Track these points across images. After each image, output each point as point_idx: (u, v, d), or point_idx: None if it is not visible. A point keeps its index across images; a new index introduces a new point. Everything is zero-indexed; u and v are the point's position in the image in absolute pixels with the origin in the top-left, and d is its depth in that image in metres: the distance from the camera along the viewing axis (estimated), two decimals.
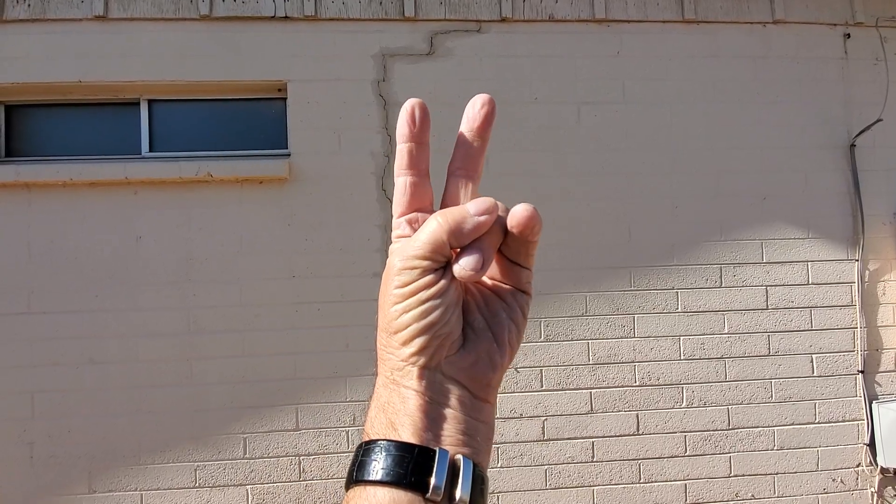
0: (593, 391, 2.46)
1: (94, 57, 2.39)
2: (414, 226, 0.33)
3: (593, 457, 2.45)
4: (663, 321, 2.49)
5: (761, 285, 2.52)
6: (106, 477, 2.33)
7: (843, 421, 2.55)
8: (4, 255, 2.32)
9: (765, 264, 2.53)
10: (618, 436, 2.46)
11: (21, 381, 2.31)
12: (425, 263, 0.30)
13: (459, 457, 0.30)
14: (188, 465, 2.36)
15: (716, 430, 2.49)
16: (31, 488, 2.31)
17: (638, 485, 2.46)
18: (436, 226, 0.30)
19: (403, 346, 0.31)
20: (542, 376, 2.45)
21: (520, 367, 2.45)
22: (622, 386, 2.47)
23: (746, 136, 2.57)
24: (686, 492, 2.48)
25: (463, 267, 0.30)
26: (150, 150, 2.49)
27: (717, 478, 2.49)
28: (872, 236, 2.59)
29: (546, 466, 2.44)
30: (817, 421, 2.53)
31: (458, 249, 0.31)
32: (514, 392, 2.44)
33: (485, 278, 0.34)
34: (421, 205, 0.34)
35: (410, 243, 0.31)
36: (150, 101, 2.53)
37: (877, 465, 2.54)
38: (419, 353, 0.31)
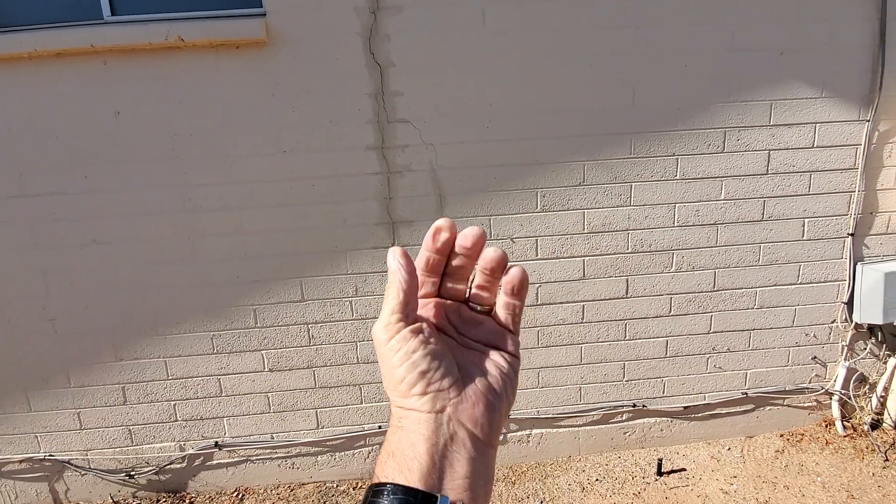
0: (586, 259, 2.54)
1: None
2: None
3: (583, 318, 2.61)
4: (660, 189, 2.48)
5: (764, 149, 2.46)
6: (130, 346, 2.51)
7: (825, 282, 2.66)
8: None
9: (771, 127, 2.44)
10: (607, 299, 2.59)
11: (31, 262, 2.38)
12: (397, 319, 0.36)
13: (460, 502, 0.32)
14: (205, 334, 2.52)
15: (701, 291, 2.61)
16: (61, 358, 2.50)
17: (622, 342, 2.66)
18: (387, 291, 0.37)
19: (407, 394, 0.35)
20: (537, 245, 2.51)
21: (516, 238, 2.50)
22: (615, 253, 2.54)
23: None
24: (667, 347, 2.69)
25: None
26: (112, 14, 2.27)
27: (697, 334, 2.67)
28: (889, 94, 2.45)
29: (539, 328, 2.61)
30: (800, 282, 2.65)
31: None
32: (511, 262, 2.51)
33: (476, 339, 0.40)
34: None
35: (382, 312, 0.37)
36: None
37: (851, 321, 2.70)
38: (421, 396, 0.34)
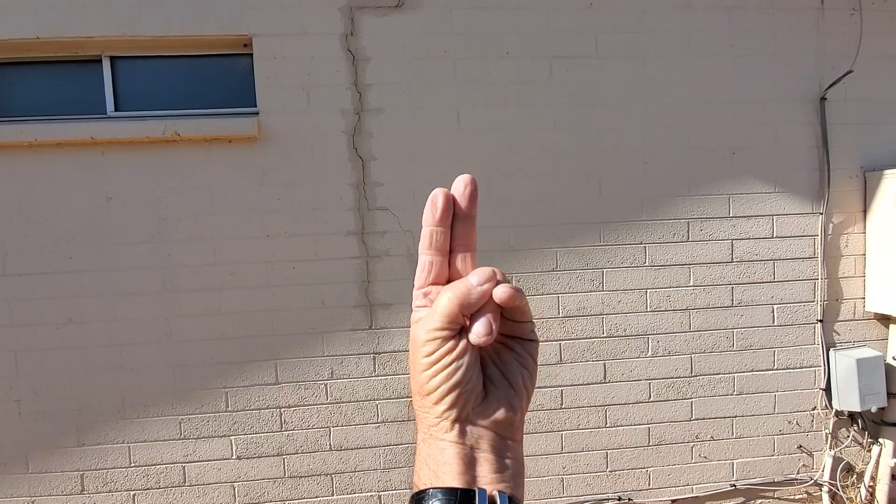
0: (563, 343, 2.56)
1: (50, 12, 2.31)
2: (429, 297, 0.38)
3: (562, 404, 2.57)
4: (631, 275, 2.56)
5: (727, 239, 2.58)
6: (93, 430, 2.42)
7: (801, 368, 2.68)
8: None
9: (731, 218, 2.58)
10: (586, 384, 2.57)
11: (3, 341, 2.36)
12: (444, 333, 0.35)
13: (496, 492, 0.35)
14: (172, 418, 2.45)
15: (679, 377, 2.61)
16: (21, 443, 2.40)
17: (604, 429, 2.60)
18: (447, 300, 0.35)
19: (436, 405, 0.36)
20: None
21: None
22: (590, 337, 2.56)
23: (719, 90, 2.57)
24: (649, 434, 2.62)
25: (477, 334, 0.35)
26: (116, 110, 2.45)
27: (679, 421, 2.62)
28: (838, 190, 2.63)
29: None
30: (776, 367, 2.66)
31: (471, 315, 0.36)
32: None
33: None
34: (438, 281, 0.38)
35: (429, 317, 0.36)
36: (113, 59, 2.47)
37: (831, 408, 2.68)
38: (450, 408, 0.36)
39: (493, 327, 0.35)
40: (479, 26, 2.47)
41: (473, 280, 0.35)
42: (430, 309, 0.36)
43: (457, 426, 0.36)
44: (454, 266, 0.38)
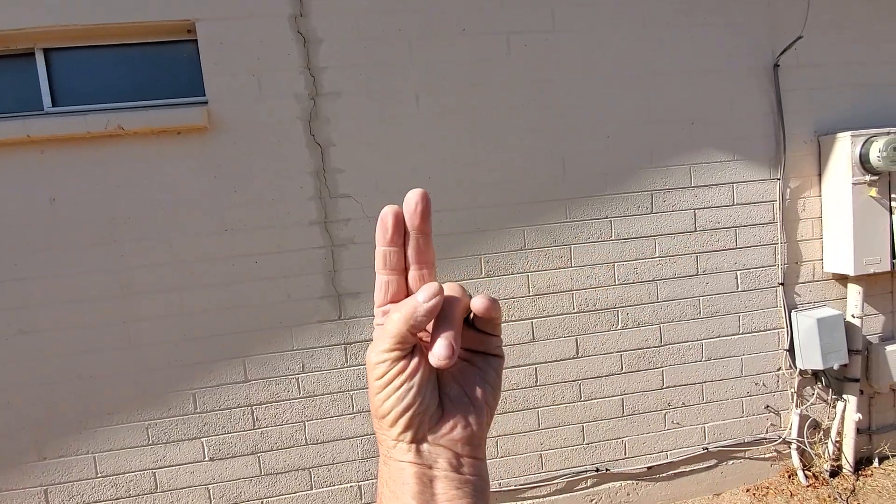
0: (534, 321, 2.56)
1: None
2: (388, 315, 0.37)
3: (537, 381, 2.58)
4: (598, 249, 2.57)
5: (690, 209, 2.62)
6: (55, 443, 2.32)
7: (765, 330, 2.75)
8: None
9: (693, 188, 2.61)
10: (559, 360, 2.59)
11: None
12: (394, 354, 0.34)
13: None
14: (138, 424, 2.36)
15: (649, 347, 2.65)
16: None
17: (579, 403, 2.63)
18: (395, 320, 0.34)
19: (391, 428, 0.35)
20: None
21: None
22: (562, 314, 2.58)
23: (675, 61, 2.58)
24: (623, 405, 2.67)
25: (438, 356, 0.33)
26: (53, 105, 2.31)
27: (651, 390, 2.67)
28: (794, 155, 2.69)
29: None
30: (741, 332, 2.72)
31: (431, 334, 0.35)
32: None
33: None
34: (395, 298, 0.37)
35: (379, 339, 0.35)
36: (47, 51, 2.32)
37: (796, 367, 2.77)
38: (405, 430, 0.35)
39: (455, 348, 0.34)
40: (433, 2, 2.41)
41: (420, 297, 0.34)
42: (381, 329, 0.36)
43: (413, 446, 0.36)
44: (413, 283, 0.37)
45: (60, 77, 2.35)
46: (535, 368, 2.58)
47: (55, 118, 2.23)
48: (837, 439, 2.85)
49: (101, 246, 2.28)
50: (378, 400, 0.35)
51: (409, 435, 0.35)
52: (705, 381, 2.72)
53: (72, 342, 2.28)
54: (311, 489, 2.49)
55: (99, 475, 2.36)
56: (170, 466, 2.40)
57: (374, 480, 2.51)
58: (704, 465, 2.77)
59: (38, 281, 2.25)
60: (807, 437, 2.82)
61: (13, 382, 2.27)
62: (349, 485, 2.51)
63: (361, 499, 2.51)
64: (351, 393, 2.47)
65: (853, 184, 2.60)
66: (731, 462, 2.80)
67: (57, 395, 2.30)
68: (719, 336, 2.70)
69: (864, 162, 2.58)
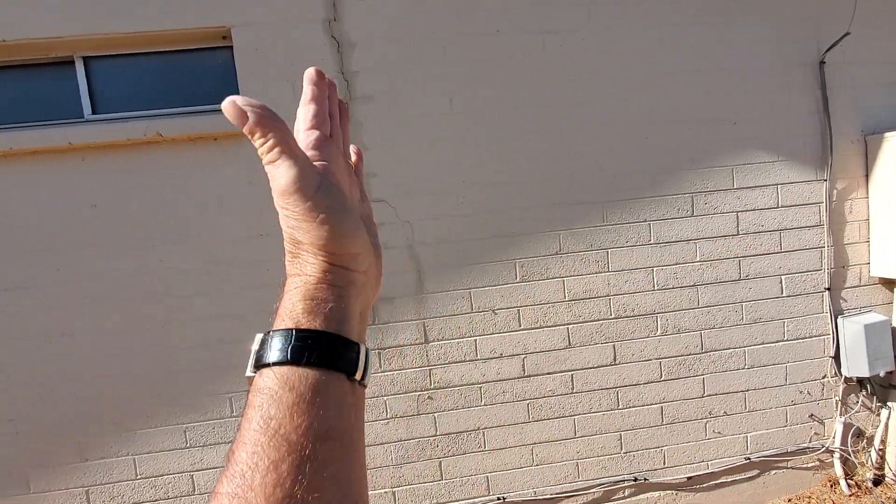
0: (570, 327, 2.51)
1: (14, 11, 2.19)
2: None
3: (573, 388, 2.53)
4: (636, 253, 2.51)
5: (732, 211, 2.53)
6: (96, 445, 2.35)
7: (810, 337, 2.65)
8: None
9: (735, 190, 2.53)
10: (596, 367, 2.54)
11: None
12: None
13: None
14: (177, 427, 2.38)
15: (689, 354, 2.57)
16: (20, 463, 2.32)
17: (616, 411, 2.57)
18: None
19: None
20: (519, 316, 2.48)
21: (497, 310, 2.47)
22: (598, 319, 2.52)
23: (716, 58, 2.50)
24: (662, 413, 2.60)
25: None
26: (93, 112, 2.34)
27: (692, 398, 2.60)
28: (840, 155, 2.59)
29: (528, 401, 2.52)
30: (786, 338, 2.63)
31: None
32: (493, 333, 2.48)
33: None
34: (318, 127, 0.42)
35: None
36: (86, 59, 2.35)
37: (841, 375, 2.67)
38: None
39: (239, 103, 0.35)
40: (466, 4, 2.37)
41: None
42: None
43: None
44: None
45: (99, 84, 2.38)
46: (572, 375, 2.53)
47: (95, 125, 2.26)
48: (881, 447, 2.74)
49: (140, 250, 2.30)
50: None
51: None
52: (748, 390, 2.63)
53: (111, 345, 2.31)
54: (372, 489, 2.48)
55: (138, 477, 2.38)
56: (207, 469, 2.41)
57: (409, 486, 2.49)
58: (746, 476, 2.68)
59: (79, 284, 2.28)
60: (850, 446, 2.72)
61: (57, 384, 2.31)
62: (383, 490, 2.49)
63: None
64: (385, 398, 2.46)
65: None
66: (774, 472, 2.71)
67: (97, 398, 2.33)
68: (763, 343, 2.61)
69: None
